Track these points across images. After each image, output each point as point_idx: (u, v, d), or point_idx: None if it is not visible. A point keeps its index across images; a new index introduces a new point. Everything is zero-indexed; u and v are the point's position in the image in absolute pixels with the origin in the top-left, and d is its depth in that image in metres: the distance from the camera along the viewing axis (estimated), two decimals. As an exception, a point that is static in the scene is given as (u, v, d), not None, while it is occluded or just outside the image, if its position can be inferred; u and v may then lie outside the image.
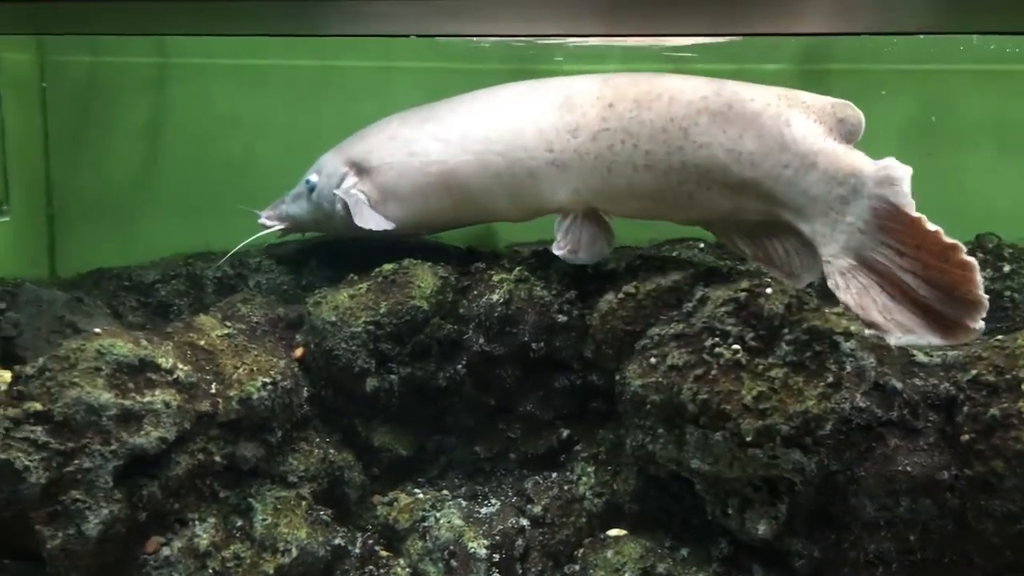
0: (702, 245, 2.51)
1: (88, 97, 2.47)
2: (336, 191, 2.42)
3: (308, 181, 2.49)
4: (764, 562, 1.96)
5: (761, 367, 1.86)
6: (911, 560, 1.86)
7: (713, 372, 1.88)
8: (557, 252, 2.21)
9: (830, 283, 2.05)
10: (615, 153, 2.15)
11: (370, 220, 2.34)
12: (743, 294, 1.91)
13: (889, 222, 1.97)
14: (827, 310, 1.89)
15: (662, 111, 2.13)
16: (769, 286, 1.92)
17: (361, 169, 2.43)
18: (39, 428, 1.91)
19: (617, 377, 2.07)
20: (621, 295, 2.13)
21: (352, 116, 2.54)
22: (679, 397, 1.90)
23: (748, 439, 1.82)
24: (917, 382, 1.90)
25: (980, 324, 1.92)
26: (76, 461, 1.91)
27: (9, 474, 1.87)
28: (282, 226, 2.55)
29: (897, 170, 1.97)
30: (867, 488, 1.85)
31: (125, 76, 2.41)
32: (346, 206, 2.39)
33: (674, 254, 2.36)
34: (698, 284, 2.08)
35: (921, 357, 1.95)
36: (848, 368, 1.85)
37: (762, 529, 1.90)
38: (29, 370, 1.96)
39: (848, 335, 1.86)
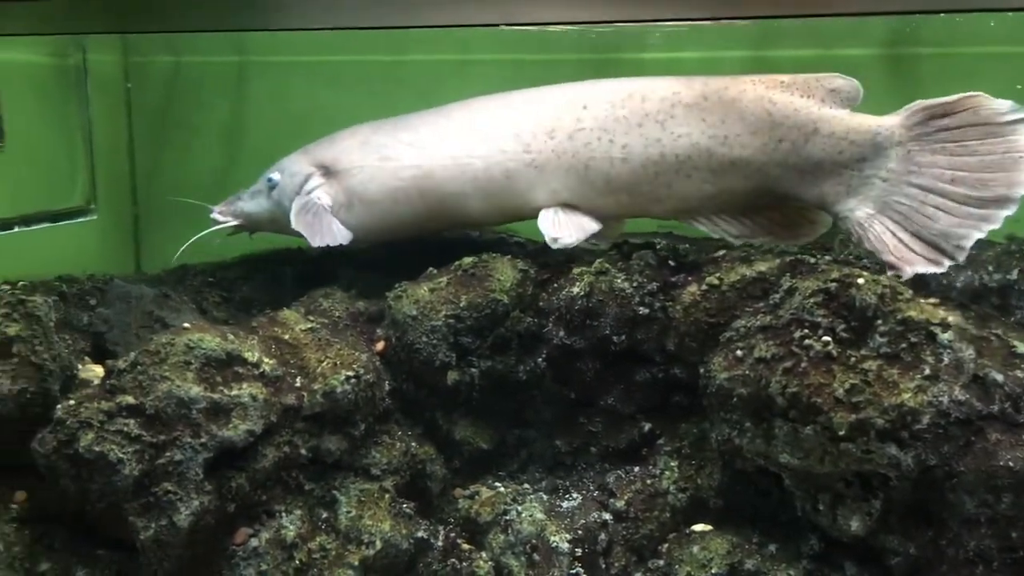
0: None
1: (170, 97, 2.53)
2: (301, 195, 2.46)
3: (270, 179, 2.52)
4: (857, 559, 1.91)
5: (853, 359, 1.81)
6: (1013, 558, 1.80)
7: (803, 365, 1.84)
8: (552, 245, 2.27)
9: (852, 236, 2.16)
10: (592, 150, 2.27)
11: (326, 235, 2.38)
12: (833, 285, 1.87)
13: (925, 148, 2.08)
14: (922, 300, 1.83)
15: (636, 108, 2.26)
16: (861, 276, 1.87)
17: (328, 171, 2.45)
18: (132, 421, 1.95)
19: (701, 370, 2.04)
20: (704, 287, 2.10)
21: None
22: (767, 390, 1.86)
23: (841, 433, 1.78)
24: (1019, 374, 1.83)
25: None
26: (167, 453, 1.95)
27: (103, 466, 1.92)
28: (235, 223, 2.58)
29: (917, 105, 2.10)
30: (966, 484, 1.79)
31: (205, 75, 2.46)
32: (305, 209, 2.42)
33: (756, 244, 2.31)
34: (784, 275, 2.03)
35: (1023, 348, 1.88)
36: (946, 360, 1.79)
37: (855, 525, 1.85)
38: (121, 364, 2.01)
39: (945, 326, 1.80)
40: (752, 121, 2.20)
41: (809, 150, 2.16)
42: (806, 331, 1.86)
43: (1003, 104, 2.01)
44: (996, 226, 2.00)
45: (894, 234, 2.11)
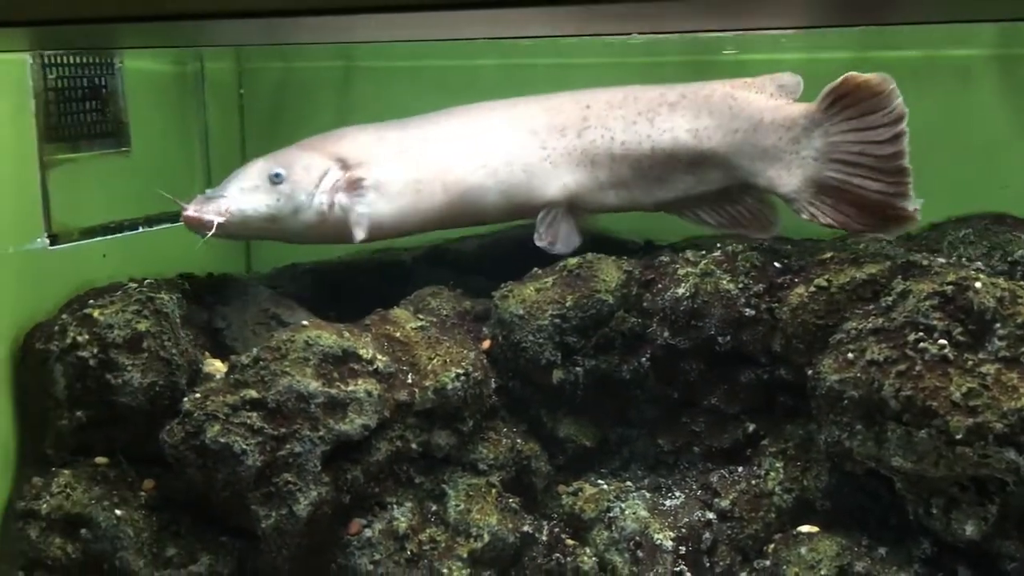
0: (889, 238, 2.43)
1: (280, 101, 2.62)
2: (320, 189, 2.41)
3: (276, 174, 2.40)
4: (971, 564, 1.90)
5: (971, 363, 1.80)
6: None
7: (917, 368, 1.83)
8: (538, 243, 2.45)
9: (806, 217, 2.33)
10: (596, 147, 2.49)
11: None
12: (950, 287, 1.86)
13: (840, 126, 2.27)
14: (1043, 304, 1.81)
15: (630, 108, 2.49)
16: (978, 280, 1.86)
17: (347, 165, 2.44)
18: (254, 414, 2.04)
19: (809, 372, 2.05)
20: (813, 288, 2.10)
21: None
22: (880, 393, 1.86)
23: (957, 437, 1.77)
24: None
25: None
26: (288, 446, 2.03)
27: (228, 457, 2.01)
28: (219, 220, 2.34)
29: (829, 84, 2.27)
30: (1088, 490, 1.77)
31: (313, 80, 2.54)
32: (331, 204, 2.41)
33: (861, 247, 2.30)
34: (896, 277, 2.03)
35: None
36: (1067, 364, 1.77)
37: (970, 530, 1.84)
38: (244, 360, 2.10)
39: (1067, 330, 1.78)
40: (717, 115, 2.44)
41: (758, 137, 2.40)
42: (921, 334, 1.85)
43: (874, 77, 2.20)
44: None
45: (836, 209, 2.29)
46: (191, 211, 2.33)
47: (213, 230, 2.31)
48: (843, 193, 2.27)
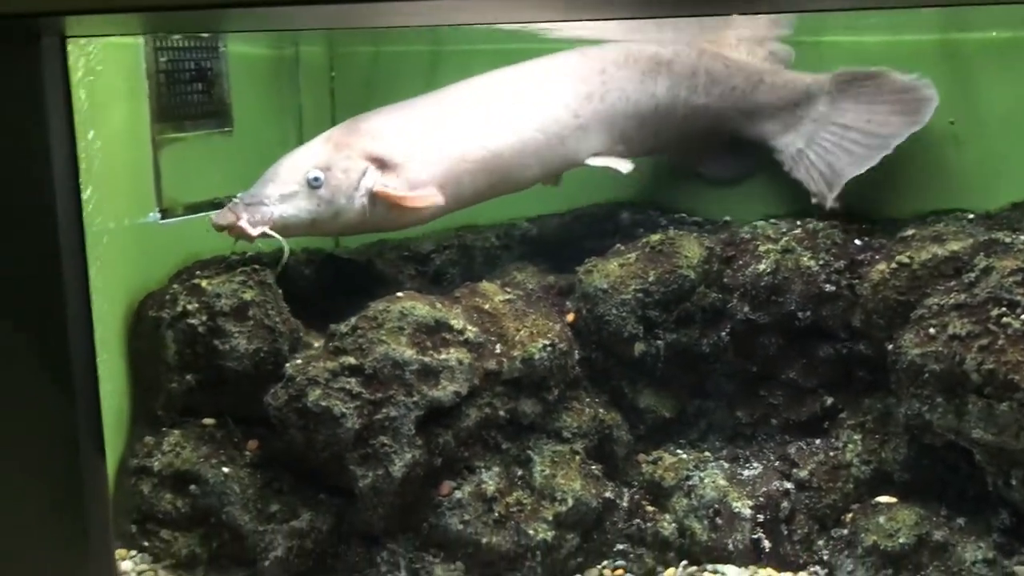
0: (971, 216, 2.46)
1: (369, 84, 2.72)
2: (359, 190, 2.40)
3: (316, 179, 2.35)
4: (1050, 535, 1.94)
5: (1054, 337, 1.84)
6: None
7: (1000, 342, 1.88)
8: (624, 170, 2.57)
9: (785, 166, 2.62)
10: (615, 108, 2.62)
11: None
12: (1034, 264, 1.90)
13: (848, 97, 2.55)
14: None
15: (633, 68, 2.64)
16: (1063, 255, 1.89)
17: (385, 164, 2.42)
18: (353, 380, 2.15)
19: (890, 347, 2.10)
20: (894, 265, 2.15)
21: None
22: (962, 367, 1.91)
23: (1039, 409, 1.81)
24: None
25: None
26: (384, 410, 2.14)
27: (329, 419, 2.13)
28: (260, 231, 2.30)
29: (843, 69, 2.58)
30: None
31: (402, 64, 2.64)
32: (372, 200, 2.41)
33: (940, 225, 2.34)
34: (979, 254, 2.06)
35: None
36: None
37: (1050, 501, 1.89)
38: (343, 328, 2.22)
39: None
40: (713, 74, 2.65)
41: (755, 96, 2.64)
42: (1004, 309, 1.90)
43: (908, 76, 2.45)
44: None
45: (816, 167, 2.57)
46: (240, 222, 2.27)
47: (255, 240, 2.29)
48: (826, 153, 2.55)
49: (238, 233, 2.29)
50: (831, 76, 2.57)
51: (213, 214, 2.32)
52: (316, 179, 2.36)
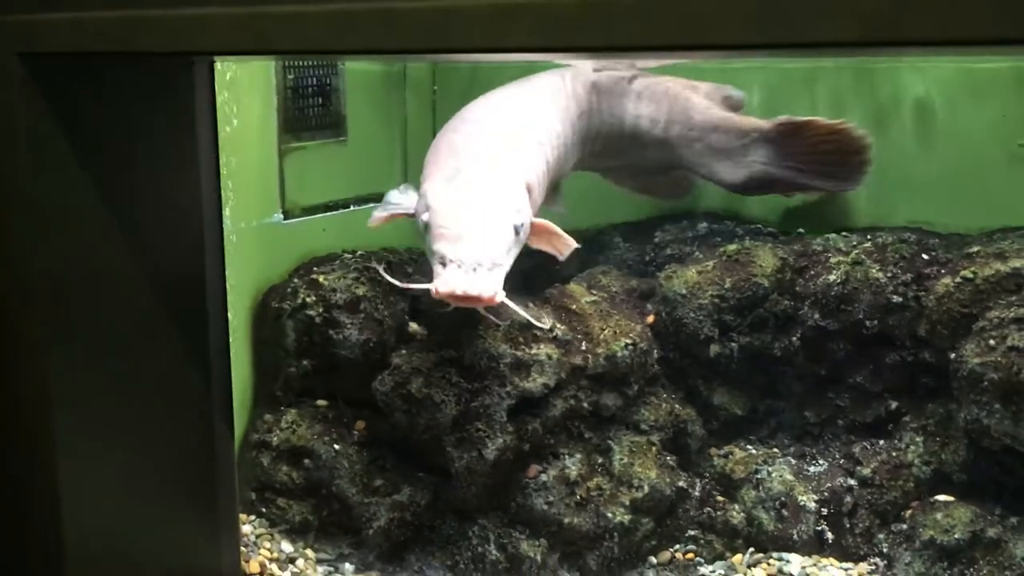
0: (1037, 234, 2.57)
1: (467, 98, 2.93)
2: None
3: (521, 225, 2.20)
4: (1099, 536, 2.07)
5: (1107, 352, 1.97)
6: None
7: (1055, 354, 2.01)
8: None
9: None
10: (589, 129, 2.73)
11: None
12: (1090, 282, 2.02)
13: (789, 143, 2.64)
14: None
15: (607, 93, 2.74)
16: (1119, 276, 2.01)
17: (528, 190, 2.40)
18: (452, 370, 2.37)
19: (952, 356, 2.24)
20: (959, 279, 2.29)
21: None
22: (1018, 376, 2.05)
23: (1090, 418, 1.95)
24: None
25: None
26: (479, 399, 2.35)
27: (429, 405, 2.34)
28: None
29: (783, 118, 2.65)
30: None
31: (497, 79, 2.83)
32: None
33: (1005, 243, 2.46)
34: (1039, 271, 2.19)
35: None
36: None
37: (1099, 505, 2.01)
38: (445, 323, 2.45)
39: None
40: (676, 112, 2.74)
41: (711, 140, 2.72)
42: (1060, 324, 2.03)
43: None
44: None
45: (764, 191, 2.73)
46: (497, 296, 2.05)
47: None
48: (779, 183, 2.70)
49: (489, 303, 2.07)
50: (775, 123, 2.64)
51: (444, 286, 2.03)
52: (521, 225, 2.21)
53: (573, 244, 2.38)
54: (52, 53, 1.73)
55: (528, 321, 2.30)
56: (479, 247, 2.11)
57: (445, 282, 2.05)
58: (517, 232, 2.19)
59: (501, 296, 2.08)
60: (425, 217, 2.21)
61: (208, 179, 2.11)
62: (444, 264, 2.09)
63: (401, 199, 2.50)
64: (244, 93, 2.42)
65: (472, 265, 2.08)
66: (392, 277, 2.32)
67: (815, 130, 2.59)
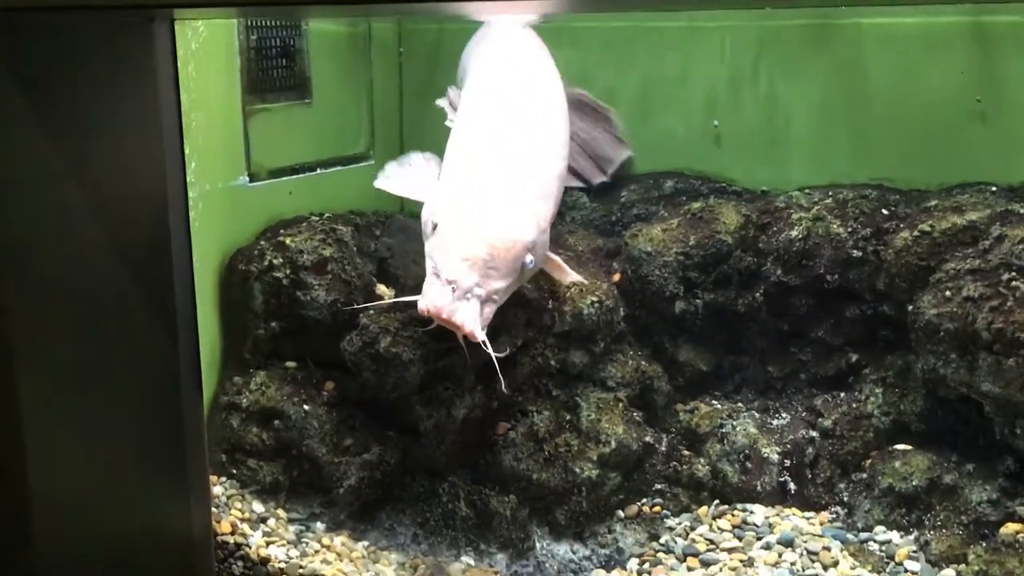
0: (993, 189, 2.61)
1: (433, 59, 2.94)
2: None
3: (531, 262, 2.10)
4: (1050, 480, 2.13)
5: (1058, 300, 2.02)
6: None
7: (1009, 304, 2.06)
8: None
9: None
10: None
11: None
12: (1043, 232, 2.07)
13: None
14: None
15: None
16: (1070, 226, 2.06)
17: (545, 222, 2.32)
18: (419, 330, 2.36)
19: (910, 308, 2.29)
20: (917, 233, 2.33)
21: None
22: (974, 326, 2.10)
23: (1042, 365, 2.00)
24: None
25: None
26: (447, 358, 2.37)
27: (397, 365, 2.35)
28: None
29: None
30: None
31: (462, 40, 2.83)
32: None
33: (965, 197, 2.50)
34: (994, 224, 2.24)
35: None
36: None
37: (1050, 449, 2.07)
38: (411, 283, 2.45)
39: None
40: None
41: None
42: (1013, 274, 2.08)
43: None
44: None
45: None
46: (477, 331, 1.95)
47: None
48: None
49: (469, 337, 1.97)
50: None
51: (430, 304, 1.95)
52: (531, 263, 2.09)
53: (581, 280, 2.36)
54: (8, 8, 1.71)
55: (498, 373, 2.06)
56: (478, 275, 1.99)
57: (431, 299, 1.96)
58: (523, 269, 2.07)
59: (481, 336, 1.96)
60: (435, 218, 2.09)
61: (171, 141, 2.09)
62: (437, 277, 1.99)
63: (422, 168, 2.41)
64: (206, 54, 2.40)
65: (465, 291, 1.97)
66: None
67: (582, 111, 2.65)
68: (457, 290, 1.96)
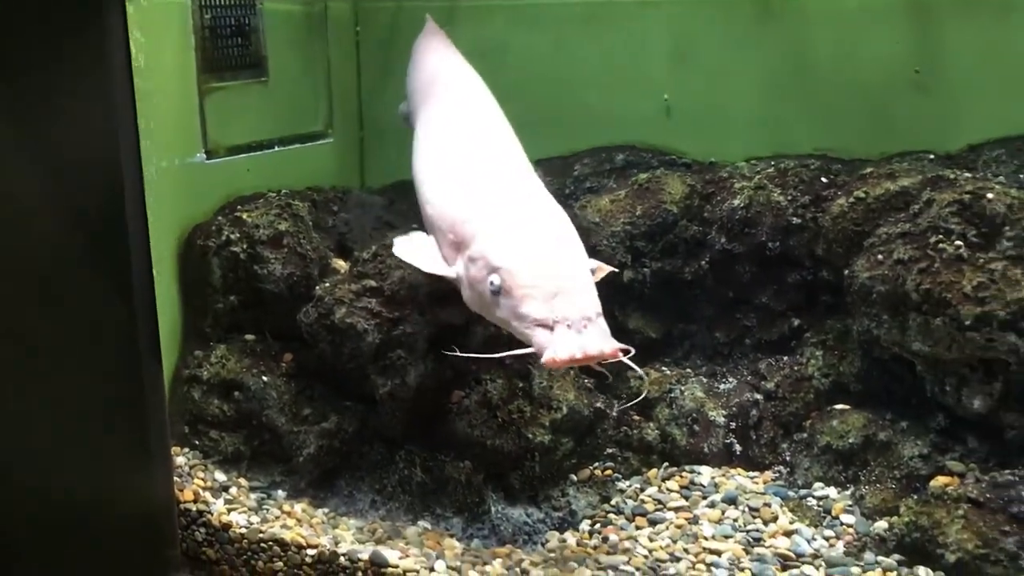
0: (932, 157, 2.68)
1: (391, 37, 2.98)
2: None
3: (593, 268, 2.14)
4: (978, 434, 2.21)
5: (982, 261, 2.09)
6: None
7: (936, 265, 2.14)
8: None
9: None
10: None
11: None
12: (967, 196, 2.15)
13: None
14: (1048, 211, 2.08)
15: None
16: (992, 190, 2.13)
17: None
18: (373, 300, 2.42)
19: (846, 272, 2.36)
20: (852, 199, 2.40)
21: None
22: (904, 287, 2.17)
23: (967, 323, 2.07)
24: None
25: None
26: (401, 327, 2.42)
27: (353, 335, 2.40)
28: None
29: None
30: (1080, 369, 2.05)
31: (420, 18, 2.88)
32: None
33: (903, 164, 2.57)
34: (925, 189, 2.31)
35: None
36: (1066, 262, 2.04)
37: (977, 404, 2.15)
38: (365, 255, 2.50)
39: (1068, 233, 2.05)
40: None
41: None
42: (940, 236, 2.15)
43: None
44: None
45: None
46: (604, 350, 1.85)
47: None
48: None
49: (612, 357, 1.89)
50: None
51: (563, 355, 1.83)
52: (594, 268, 2.13)
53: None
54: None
55: (635, 371, 2.04)
56: (582, 300, 1.92)
57: (562, 348, 1.83)
58: (592, 273, 2.05)
59: (618, 345, 1.88)
60: (495, 280, 1.97)
61: (124, 116, 2.13)
62: (549, 327, 1.87)
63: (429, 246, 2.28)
64: (160, 31, 2.45)
65: (582, 322, 1.88)
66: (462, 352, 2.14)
67: None
68: (573, 325, 1.88)
